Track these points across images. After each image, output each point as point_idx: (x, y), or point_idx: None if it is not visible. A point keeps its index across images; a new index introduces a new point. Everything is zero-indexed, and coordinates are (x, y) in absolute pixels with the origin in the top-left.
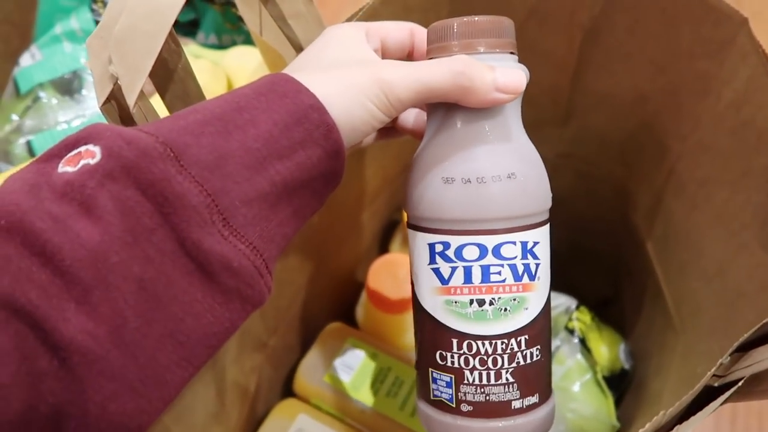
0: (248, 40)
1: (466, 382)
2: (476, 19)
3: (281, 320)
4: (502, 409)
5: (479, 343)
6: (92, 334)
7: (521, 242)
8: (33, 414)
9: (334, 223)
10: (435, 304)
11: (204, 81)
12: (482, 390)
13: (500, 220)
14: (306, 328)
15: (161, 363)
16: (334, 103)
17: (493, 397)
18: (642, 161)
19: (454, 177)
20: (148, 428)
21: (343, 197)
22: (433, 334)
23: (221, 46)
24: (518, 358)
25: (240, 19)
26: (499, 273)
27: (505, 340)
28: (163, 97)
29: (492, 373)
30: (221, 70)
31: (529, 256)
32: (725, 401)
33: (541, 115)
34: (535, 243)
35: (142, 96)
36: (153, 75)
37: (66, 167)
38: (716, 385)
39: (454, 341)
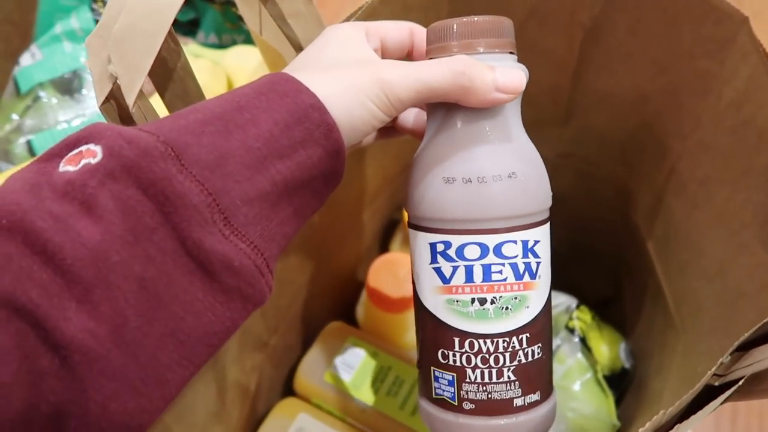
0: (248, 40)
1: (468, 380)
2: (476, 19)
3: (282, 319)
4: (504, 407)
5: (481, 341)
6: (93, 333)
7: (522, 241)
8: (34, 413)
9: (335, 222)
10: (436, 303)
11: (204, 80)
12: (484, 388)
13: (501, 219)
14: (306, 328)
15: (162, 362)
16: (334, 102)
17: (495, 395)
18: (642, 161)
19: (454, 177)
20: (149, 427)
21: (344, 197)
22: (434, 333)
23: (221, 46)
24: (520, 356)
25: (240, 18)
26: (501, 272)
27: (507, 339)
28: (162, 96)
29: (494, 371)
30: (221, 70)
31: (530, 255)
32: (726, 400)
33: (542, 115)
34: (536, 242)
35: (142, 95)
36: (152, 74)
37: (67, 167)
38: (717, 384)
39: (456, 340)
